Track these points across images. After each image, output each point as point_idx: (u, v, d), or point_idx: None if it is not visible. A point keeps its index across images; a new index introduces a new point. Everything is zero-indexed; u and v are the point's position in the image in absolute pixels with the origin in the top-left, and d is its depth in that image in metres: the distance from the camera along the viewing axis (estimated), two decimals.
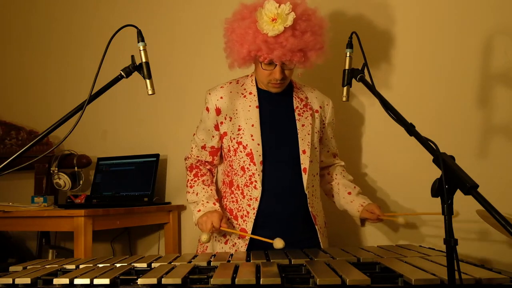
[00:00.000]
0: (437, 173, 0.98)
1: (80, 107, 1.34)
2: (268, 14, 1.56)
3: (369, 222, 1.78)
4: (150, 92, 1.42)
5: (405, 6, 2.13)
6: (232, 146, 1.71)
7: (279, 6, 1.56)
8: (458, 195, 0.96)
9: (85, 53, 2.92)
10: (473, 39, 2.00)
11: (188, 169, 1.83)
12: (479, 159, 1.96)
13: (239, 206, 1.70)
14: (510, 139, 1.93)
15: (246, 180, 1.68)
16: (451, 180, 0.96)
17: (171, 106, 2.65)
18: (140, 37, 1.42)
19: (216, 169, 1.86)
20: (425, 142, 1.10)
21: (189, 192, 1.77)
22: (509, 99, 1.93)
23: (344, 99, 1.49)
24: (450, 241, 0.92)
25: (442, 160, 0.98)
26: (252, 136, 1.68)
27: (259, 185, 1.66)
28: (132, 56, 1.42)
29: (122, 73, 1.41)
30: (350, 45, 1.51)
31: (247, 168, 1.67)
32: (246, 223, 1.67)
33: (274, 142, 1.70)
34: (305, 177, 1.69)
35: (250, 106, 1.72)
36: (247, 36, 1.59)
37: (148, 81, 1.42)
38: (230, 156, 1.73)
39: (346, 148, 2.08)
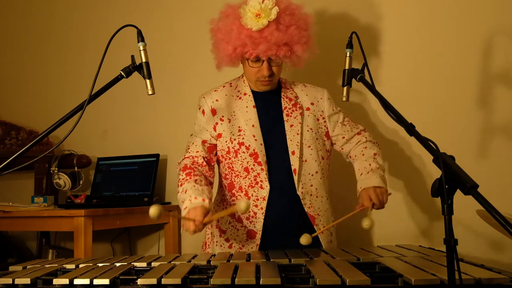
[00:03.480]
0: (437, 173, 0.98)
1: (80, 107, 1.34)
2: (252, 10, 1.57)
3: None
4: (150, 92, 1.42)
5: (405, 7, 2.13)
6: (233, 148, 1.69)
7: (262, 2, 1.57)
8: (458, 195, 0.96)
9: (85, 53, 2.92)
10: (473, 39, 2.00)
11: (182, 169, 1.68)
12: (479, 159, 1.96)
13: None
14: (510, 139, 1.93)
15: (251, 181, 1.66)
16: (451, 180, 0.96)
17: (171, 106, 2.65)
18: (140, 37, 1.42)
19: (213, 175, 1.73)
20: (425, 142, 1.10)
21: (179, 192, 1.63)
22: (509, 99, 1.93)
23: (344, 99, 1.49)
24: (450, 241, 0.92)
25: (442, 160, 0.98)
26: (254, 136, 1.67)
27: (266, 184, 1.65)
28: (132, 56, 1.42)
29: (122, 73, 1.41)
30: (350, 45, 1.51)
31: (251, 168, 1.66)
32: (254, 224, 1.65)
33: (270, 143, 1.69)
34: (295, 178, 1.66)
35: (247, 106, 1.72)
36: (231, 33, 1.60)
37: (148, 81, 1.42)
38: (230, 158, 1.69)
39: None
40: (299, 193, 1.67)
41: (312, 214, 1.69)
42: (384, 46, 2.16)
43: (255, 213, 1.65)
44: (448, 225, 0.93)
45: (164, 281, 1.09)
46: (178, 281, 1.08)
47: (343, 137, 1.78)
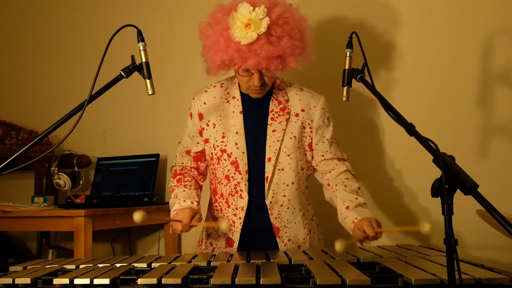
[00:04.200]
0: (437, 173, 0.98)
1: (80, 107, 1.34)
2: (241, 19, 1.45)
3: (365, 242, 1.48)
4: (150, 92, 1.42)
5: (405, 7, 2.13)
6: (215, 154, 1.65)
7: (253, 10, 1.44)
8: (458, 195, 0.96)
9: (85, 53, 2.92)
10: (473, 39, 1.99)
11: (172, 176, 1.74)
12: (479, 159, 1.95)
13: (224, 215, 1.66)
14: (510, 139, 1.93)
15: (231, 189, 1.63)
16: (451, 180, 0.96)
17: (171, 106, 2.65)
18: (140, 37, 1.42)
19: (202, 179, 1.78)
20: (425, 142, 1.11)
21: (171, 197, 1.68)
22: (509, 99, 1.93)
23: (344, 99, 1.49)
24: (450, 241, 0.92)
25: (442, 160, 0.98)
26: (236, 144, 1.61)
27: (245, 194, 1.61)
28: (132, 56, 1.43)
29: (122, 73, 1.42)
30: (350, 45, 1.50)
31: (232, 177, 1.62)
32: (233, 233, 1.64)
33: (255, 149, 1.63)
34: (266, 186, 1.61)
35: (234, 112, 1.65)
36: (219, 45, 1.50)
37: (148, 81, 1.42)
38: (213, 164, 1.67)
39: (345, 148, 2.08)
40: (267, 202, 1.62)
41: (277, 225, 1.64)
42: (384, 46, 2.16)
43: (234, 222, 1.63)
44: (448, 225, 0.93)
45: (164, 281, 1.09)
46: (178, 281, 1.08)
47: (322, 155, 1.68)
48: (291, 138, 1.64)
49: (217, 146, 1.65)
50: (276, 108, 1.66)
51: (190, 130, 1.73)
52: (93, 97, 1.36)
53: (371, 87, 1.36)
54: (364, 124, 2.19)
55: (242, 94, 1.68)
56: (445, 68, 2.05)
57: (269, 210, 1.63)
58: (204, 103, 1.69)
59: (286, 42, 1.48)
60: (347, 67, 1.49)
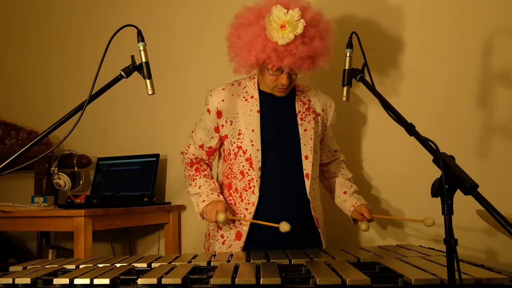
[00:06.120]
0: (437, 173, 0.98)
1: (80, 107, 1.34)
2: (277, 21, 1.53)
3: (360, 222, 1.76)
4: (150, 92, 1.42)
5: (405, 7, 2.13)
6: (233, 150, 1.71)
7: (287, 12, 1.53)
8: (458, 195, 0.96)
9: (85, 53, 2.92)
10: (473, 39, 2.00)
11: (188, 164, 1.83)
12: (479, 159, 1.96)
13: (237, 209, 1.70)
14: (510, 139, 1.93)
15: (245, 184, 1.68)
16: (451, 180, 0.96)
17: (171, 106, 2.65)
18: (140, 37, 1.42)
19: (212, 164, 1.88)
20: (425, 142, 1.11)
21: (191, 185, 1.79)
22: (509, 99, 1.93)
23: (344, 99, 1.49)
24: (450, 241, 0.92)
25: (442, 160, 0.98)
26: (252, 141, 1.67)
27: (256, 190, 1.66)
28: (132, 56, 1.42)
29: (122, 73, 1.41)
30: (350, 45, 1.51)
31: (246, 173, 1.68)
32: (242, 226, 1.68)
33: (275, 147, 1.69)
34: (307, 183, 1.69)
35: (251, 110, 1.71)
36: (255, 44, 1.56)
37: (148, 81, 1.42)
38: (230, 159, 1.72)
39: (345, 148, 2.08)
40: (309, 197, 1.70)
41: (316, 217, 1.74)
42: (385, 46, 2.16)
43: (244, 216, 1.68)
44: (448, 225, 0.93)
45: (164, 281, 1.09)
46: (178, 281, 1.08)
47: (329, 150, 1.89)
48: (318, 137, 1.77)
49: (234, 142, 1.70)
50: (302, 108, 1.76)
51: (206, 125, 1.78)
52: (93, 97, 1.36)
53: (371, 87, 1.36)
54: (363, 124, 2.19)
55: (260, 94, 1.74)
56: (446, 68, 2.05)
57: (311, 204, 1.71)
58: (222, 100, 1.74)
59: (317, 43, 1.58)
60: (347, 67, 1.49)
